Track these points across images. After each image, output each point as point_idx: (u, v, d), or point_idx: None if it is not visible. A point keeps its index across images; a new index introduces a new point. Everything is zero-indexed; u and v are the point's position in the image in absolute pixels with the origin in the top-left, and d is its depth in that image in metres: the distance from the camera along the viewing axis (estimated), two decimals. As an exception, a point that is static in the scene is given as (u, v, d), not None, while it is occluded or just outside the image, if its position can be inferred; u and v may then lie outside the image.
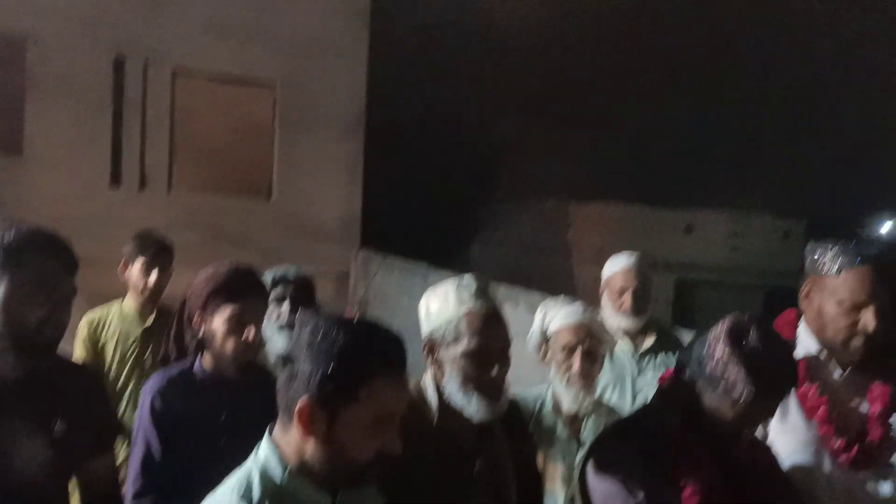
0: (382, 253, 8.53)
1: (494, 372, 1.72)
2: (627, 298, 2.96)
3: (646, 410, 1.89)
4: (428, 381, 1.80)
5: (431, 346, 1.78)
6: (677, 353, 2.03)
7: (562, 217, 15.86)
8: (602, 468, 1.74)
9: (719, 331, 1.69)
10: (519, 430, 1.99)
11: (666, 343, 3.02)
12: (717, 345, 1.67)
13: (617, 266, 3.04)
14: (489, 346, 1.73)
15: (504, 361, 1.75)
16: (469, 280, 1.81)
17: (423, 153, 14.34)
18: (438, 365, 1.76)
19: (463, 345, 1.72)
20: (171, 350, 2.26)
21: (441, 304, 1.78)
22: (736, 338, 1.65)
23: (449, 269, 7.27)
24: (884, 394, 1.93)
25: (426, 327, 1.80)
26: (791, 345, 1.81)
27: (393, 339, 1.34)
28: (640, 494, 1.65)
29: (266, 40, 8.56)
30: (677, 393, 1.76)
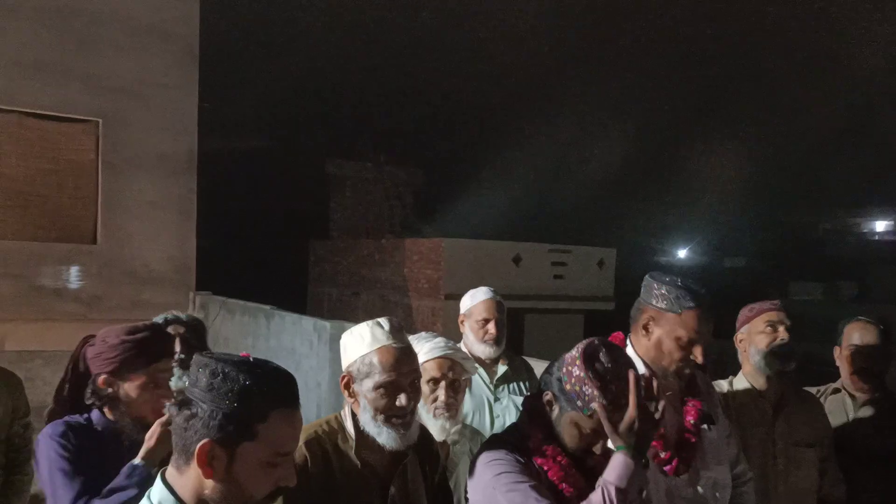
0: (221, 296, 8.25)
1: (404, 402, 1.84)
2: (491, 328, 3.09)
3: (511, 428, 2.03)
4: (346, 413, 1.93)
5: (348, 381, 1.90)
6: (538, 376, 2.16)
7: (397, 252, 16.11)
8: (478, 474, 1.87)
9: (574, 353, 1.87)
10: (431, 457, 2.09)
11: (518, 369, 3.17)
12: (573, 366, 1.84)
13: (478, 298, 3.17)
14: (399, 379, 1.86)
15: (414, 393, 1.89)
16: (383, 320, 1.94)
17: (255, 192, 14.09)
18: (355, 398, 1.88)
19: (375, 378, 1.84)
20: (61, 406, 2.15)
21: (357, 342, 1.91)
22: (589, 358, 1.83)
23: (288, 308, 7.20)
24: (695, 407, 2.20)
25: (344, 363, 1.93)
26: (633, 365, 1.99)
27: (286, 377, 1.36)
28: (523, 483, 1.78)
29: (87, 78, 8.10)
30: (540, 411, 1.90)
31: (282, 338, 6.46)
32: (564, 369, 1.86)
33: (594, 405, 1.78)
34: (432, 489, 2.05)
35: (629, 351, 2.21)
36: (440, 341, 2.46)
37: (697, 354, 2.11)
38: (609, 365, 1.81)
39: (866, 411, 2.79)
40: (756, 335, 2.60)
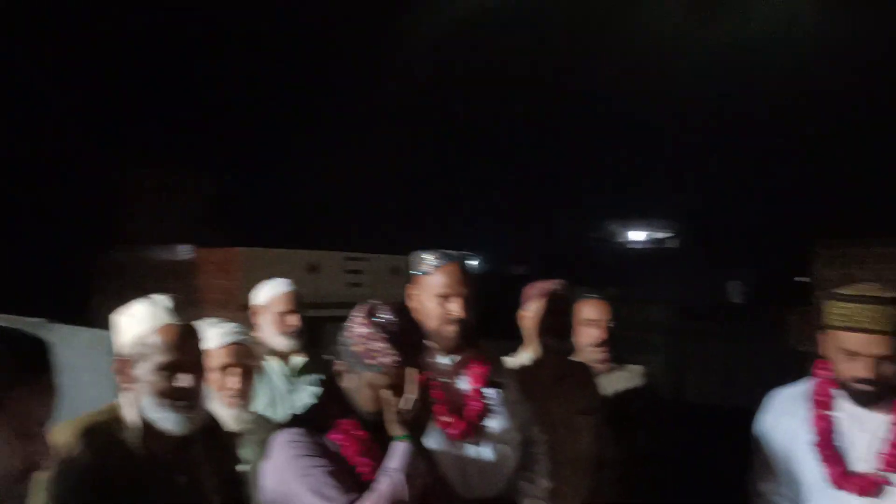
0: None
1: (188, 383, 1.70)
2: (292, 319, 3.03)
3: (310, 406, 1.96)
4: (124, 401, 1.73)
5: (123, 365, 1.72)
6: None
7: (188, 263, 15.25)
8: (272, 457, 1.80)
9: (357, 313, 1.87)
10: (221, 441, 1.95)
11: (317, 361, 3.09)
12: (358, 326, 1.83)
13: (279, 290, 3.08)
14: (182, 359, 1.72)
15: (198, 374, 1.74)
16: (161, 297, 1.79)
17: (35, 201, 12.71)
18: (132, 383, 1.70)
19: (156, 359, 1.68)
20: None
21: (133, 322, 1.74)
22: (371, 315, 1.83)
23: (72, 322, 6.54)
24: (481, 372, 2.28)
25: (116, 347, 1.78)
26: (415, 317, 2.03)
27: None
28: (318, 468, 1.71)
29: None
30: (333, 384, 1.86)
31: (57, 352, 5.81)
32: (349, 332, 1.84)
33: (385, 360, 1.77)
34: (223, 478, 1.91)
35: None
36: (231, 327, 2.34)
37: (454, 308, 2.21)
38: (394, 318, 1.81)
39: (609, 379, 3.01)
40: (539, 312, 2.72)
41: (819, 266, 16.64)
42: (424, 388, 1.84)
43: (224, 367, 2.28)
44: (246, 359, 2.33)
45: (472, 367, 2.29)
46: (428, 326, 2.23)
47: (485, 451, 2.21)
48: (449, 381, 2.26)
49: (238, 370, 2.30)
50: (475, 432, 2.21)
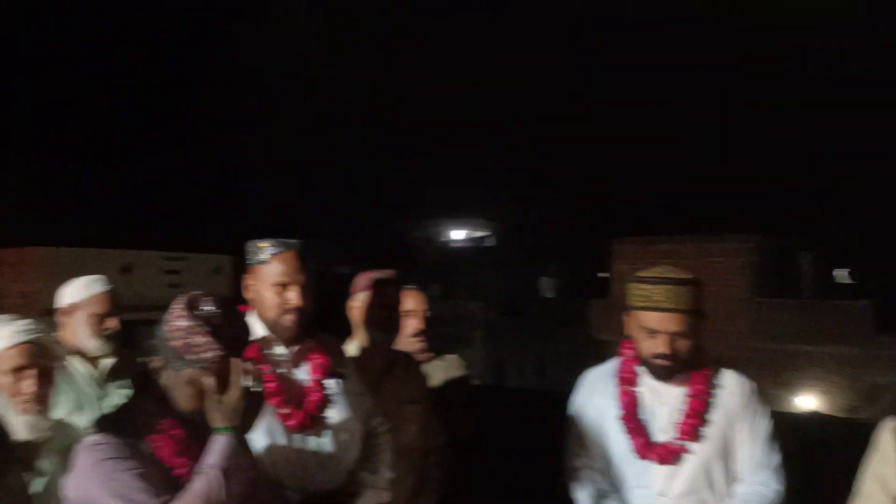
0: None
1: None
2: (110, 321, 2.78)
3: (122, 406, 1.78)
4: None
5: None
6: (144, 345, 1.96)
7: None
8: (76, 463, 1.63)
9: (176, 306, 1.72)
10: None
11: (130, 364, 2.84)
12: (176, 319, 1.69)
13: (94, 290, 2.79)
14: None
15: None
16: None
17: None
18: None
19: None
20: None
21: None
22: (191, 307, 1.70)
23: None
24: (320, 363, 2.20)
25: None
26: (240, 309, 1.92)
27: None
28: (126, 472, 1.56)
29: None
30: (148, 382, 1.72)
31: None
32: (167, 326, 1.71)
33: (208, 355, 1.65)
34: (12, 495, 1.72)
35: (250, 318, 2.10)
36: (24, 324, 2.07)
37: (292, 297, 2.12)
38: (216, 309, 1.69)
39: (427, 369, 3.02)
40: (367, 302, 2.67)
41: (616, 262, 18.01)
42: (251, 379, 1.73)
43: (16, 370, 2.01)
44: (42, 359, 2.07)
45: (311, 358, 2.20)
46: (266, 317, 2.14)
47: (325, 443, 2.14)
48: (287, 372, 2.16)
49: (33, 372, 2.03)
50: (315, 424, 2.13)
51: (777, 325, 15.74)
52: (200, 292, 1.76)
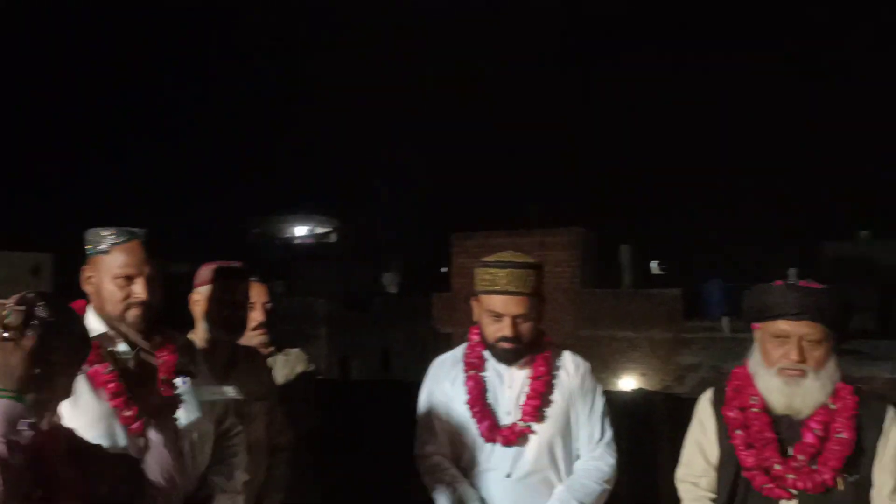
0: None
1: None
2: None
3: None
4: None
5: None
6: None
7: None
8: None
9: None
10: None
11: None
12: None
13: None
14: None
15: None
16: None
17: None
18: None
19: None
20: None
21: None
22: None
23: None
24: (168, 360, 2.02)
25: None
26: (80, 318, 1.72)
27: None
28: None
29: None
30: None
31: None
32: None
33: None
34: None
35: (88, 314, 1.97)
36: None
37: (137, 290, 1.96)
38: (49, 318, 1.49)
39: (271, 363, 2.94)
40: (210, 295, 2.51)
41: (457, 256, 18.39)
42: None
43: None
44: None
45: (158, 356, 2.01)
46: (107, 312, 1.97)
47: (176, 444, 1.96)
48: (131, 370, 1.96)
49: None
50: (150, 421, 1.95)
51: (601, 313, 16.75)
52: (38, 295, 1.51)
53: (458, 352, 2.52)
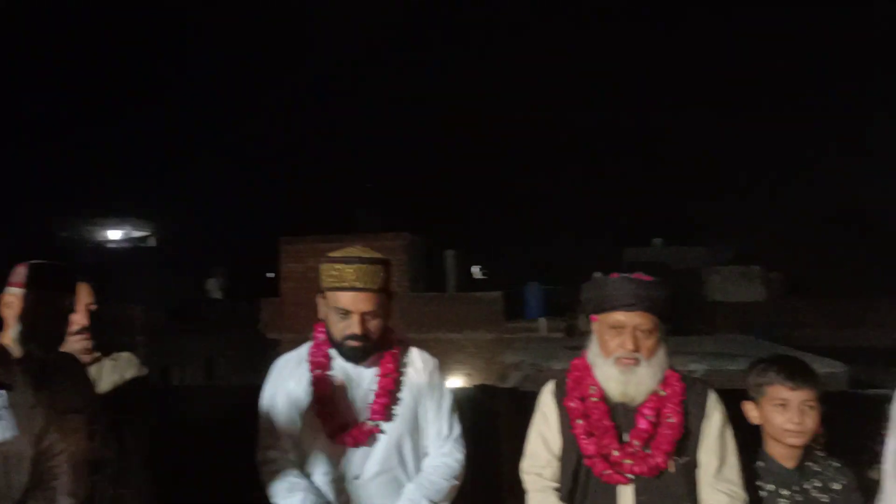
0: None
1: None
2: None
3: None
4: None
5: None
6: None
7: None
8: None
9: None
10: None
11: None
12: None
13: None
14: None
15: None
16: None
17: None
18: None
19: None
20: None
21: None
22: None
23: None
24: None
25: None
26: None
27: None
28: None
29: None
30: None
31: None
32: None
33: None
34: None
35: None
36: None
37: None
38: None
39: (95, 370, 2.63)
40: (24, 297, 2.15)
41: (285, 261, 17.85)
42: None
43: None
44: None
45: None
46: None
47: None
48: None
49: None
50: None
51: (427, 316, 16.99)
52: None
53: (303, 350, 2.37)
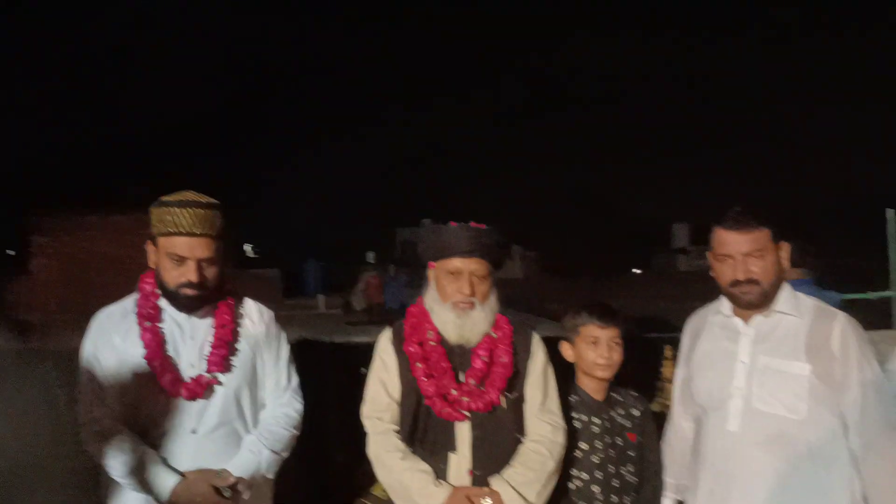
0: None
1: None
2: None
3: None
4: None
5: None
6: None
7: None
8: None
9: None
10: None
11: None
12: None
13: None
14: None
15: None
16: None
17: None
18: None
19: None
20: None
21: None
22: None
23: None
24: None
25: None
26: None
27: None
28: None
29: None
30: None
31: None
32: None
33: None
34: None
35: None
36: None
37: None
38: None
39: None
40: None
41: (36, 236, 15.78)
42: None
43: None
44: None
45: None
46: None
47: None
48: None
49: None
50: None
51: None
52: None
53: (128, 303, 2.15)
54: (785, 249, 2.12)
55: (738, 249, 2.07)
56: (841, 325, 2.03)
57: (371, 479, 2.73)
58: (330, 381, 2.98)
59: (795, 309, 2.09)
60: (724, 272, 2.12)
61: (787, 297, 2.12)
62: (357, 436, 2.24)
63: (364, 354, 2.42)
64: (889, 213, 4.54)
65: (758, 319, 2.12)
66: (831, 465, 1.99)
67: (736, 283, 2.09)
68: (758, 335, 2.11)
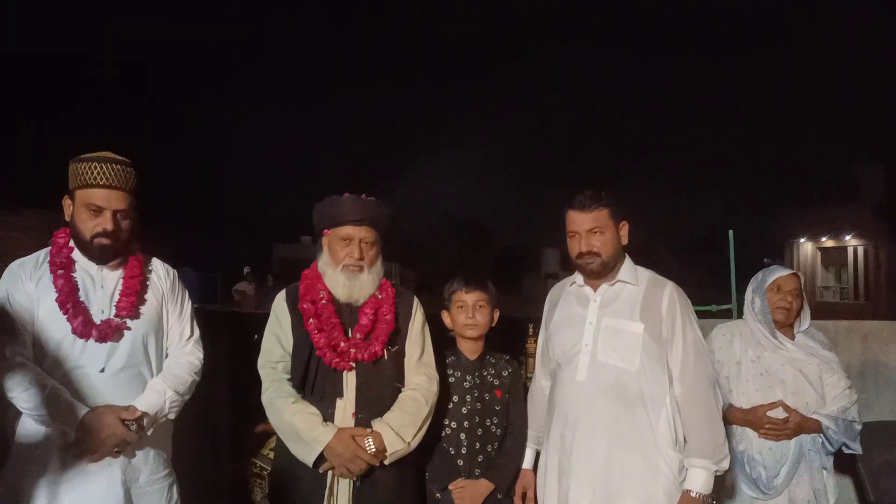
0: None
1: None
2: None
3: None
4: None
5: None
6: None
7: None
8: None
9: None
10: None
11: None
12: None
13: None
14: None
15: None
16: None
17: None
18: None
19: None
20: None
21: None
22: None
23: None
24: None
25: None
26: None
27: None
28: None
29: None
30: None
31: None
32: None
33: None
34: None
35: None
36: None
37: None
38: None
39: None
40: None
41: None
42: None
43: None
44: None
45: None
46: None
47: None
48: None
49: None
50: None
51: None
52: None
53: (41, 255, 2.22)
54: (624, 228, 2.42)
55: (582, 227, 2.35)
56: (669, 292, 2.34)
57: (261, 441, 2.80)
58: (221, 347, 3.01)
59: (634, 278, 2.39)
60: (573, 246, 2.40)
61: (628, 269, 2.41)
62: (247, 402, 2.34)
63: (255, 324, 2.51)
64: (730, 233, 5.22)
65: (604, 287, 2.40)
66: (659, 410, 2.25)
67: (580, 255, 2.37)
68: (603, 300, 2.39)
